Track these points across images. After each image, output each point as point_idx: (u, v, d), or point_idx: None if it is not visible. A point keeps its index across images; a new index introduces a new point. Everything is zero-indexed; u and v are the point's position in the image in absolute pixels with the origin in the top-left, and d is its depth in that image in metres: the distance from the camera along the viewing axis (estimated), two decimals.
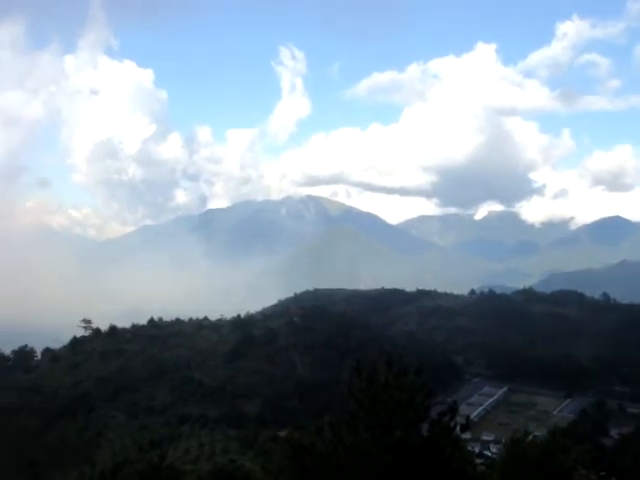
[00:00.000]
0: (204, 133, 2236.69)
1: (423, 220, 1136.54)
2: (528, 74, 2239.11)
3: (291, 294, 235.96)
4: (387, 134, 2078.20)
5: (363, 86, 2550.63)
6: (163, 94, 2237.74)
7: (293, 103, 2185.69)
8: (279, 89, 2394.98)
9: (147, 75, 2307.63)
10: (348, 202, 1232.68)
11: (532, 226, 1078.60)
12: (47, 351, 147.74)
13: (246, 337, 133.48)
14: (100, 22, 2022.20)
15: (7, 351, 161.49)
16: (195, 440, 75.66)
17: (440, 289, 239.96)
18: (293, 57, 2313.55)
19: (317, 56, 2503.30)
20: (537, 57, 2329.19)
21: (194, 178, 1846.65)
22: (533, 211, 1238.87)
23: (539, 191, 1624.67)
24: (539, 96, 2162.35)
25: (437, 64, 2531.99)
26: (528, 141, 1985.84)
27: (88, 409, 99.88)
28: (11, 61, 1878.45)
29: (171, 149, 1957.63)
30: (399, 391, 17.65)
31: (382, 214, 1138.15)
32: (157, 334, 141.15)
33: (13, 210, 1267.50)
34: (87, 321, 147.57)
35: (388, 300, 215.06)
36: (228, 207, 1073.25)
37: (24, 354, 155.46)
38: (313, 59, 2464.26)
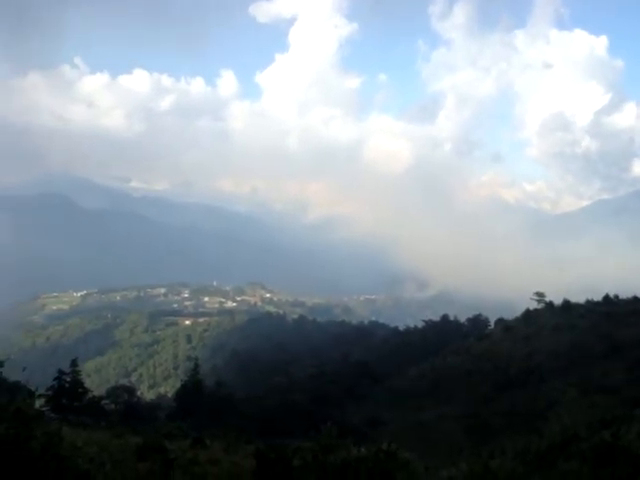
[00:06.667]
0: None
1: None
2: None
3: None
4: None
5: None
6: (618, 62, 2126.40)
7: None
8: None
9: (600, 43, 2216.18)
10: None
11: None
12: (500, 321, 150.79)
13: None
14: None
15: (462, 319, 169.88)
16: None
17: None
18: None
19: None
20: None
21: None
22: None
23: None
24: None
25: None
26: None
27: (538, 381, 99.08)
28: (463, 41, 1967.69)
29: (627, 119, 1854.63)
30: None
31: None
32: (612, 311, 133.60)
33: (469, 183, 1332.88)
34: (540, 294, 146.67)
35: None
36: None
37: (478, 322, 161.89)
38: None
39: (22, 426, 13.79)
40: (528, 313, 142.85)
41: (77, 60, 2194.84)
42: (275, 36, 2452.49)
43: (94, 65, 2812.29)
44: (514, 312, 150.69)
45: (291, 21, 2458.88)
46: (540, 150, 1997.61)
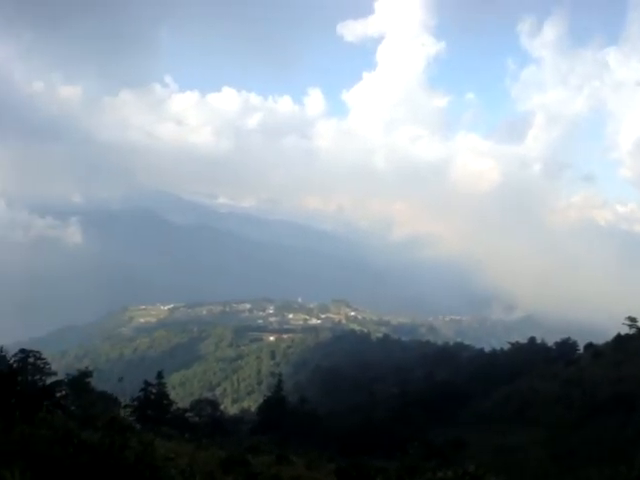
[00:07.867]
0: None
1: None
2: None
3: None
4: None
5: None
6: None
7: None
8: None
9: None
10: None
11: None
12: (589, 346, 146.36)
13: None
14: None
15: (550, 342, 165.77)
16: None
17: None
18: None
19: None
20: None
21: None
22: None
23: None
24: None
25: None
26: None
27: (628, 409, 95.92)
28: (554, 59, 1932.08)
29: None
30: None
31: None
32: None
33: (559, 204, 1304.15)
34: (632, 319, 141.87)
35: None
36: None
37: (566, 346, 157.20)
38: None
39: (117, 435, 14.45)
40: (619, 338, 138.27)
41: (167, 78, 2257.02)
42: (362, 54, 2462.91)
43: (184, 83, 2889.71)
44: (604, 337, 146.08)
45: (379, 40, 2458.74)
46: (633, 171, 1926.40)
